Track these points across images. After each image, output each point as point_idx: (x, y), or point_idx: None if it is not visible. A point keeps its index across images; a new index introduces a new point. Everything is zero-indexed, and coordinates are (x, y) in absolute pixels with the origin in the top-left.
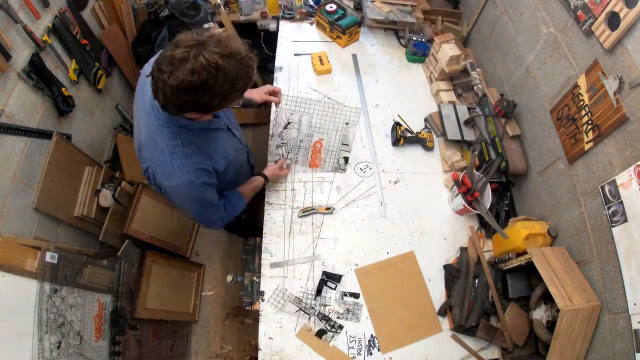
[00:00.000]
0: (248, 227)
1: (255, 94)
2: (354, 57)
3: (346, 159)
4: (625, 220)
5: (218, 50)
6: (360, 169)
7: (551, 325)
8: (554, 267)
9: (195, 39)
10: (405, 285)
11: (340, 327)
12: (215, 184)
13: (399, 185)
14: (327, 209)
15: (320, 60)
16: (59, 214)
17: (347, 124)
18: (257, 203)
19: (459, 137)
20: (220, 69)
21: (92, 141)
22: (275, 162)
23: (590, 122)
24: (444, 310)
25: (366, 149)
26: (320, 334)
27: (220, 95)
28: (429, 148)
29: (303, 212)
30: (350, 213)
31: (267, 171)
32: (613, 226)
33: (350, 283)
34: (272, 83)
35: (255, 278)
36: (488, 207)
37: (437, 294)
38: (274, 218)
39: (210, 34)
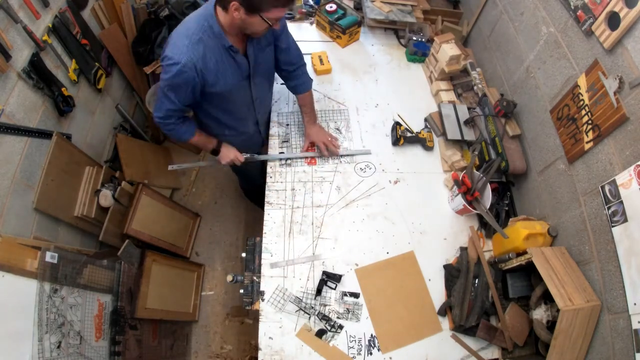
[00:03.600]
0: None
1: (310, 131)
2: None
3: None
4: (625, 220)
5: None
6: (360, 168)
7: (551, 325)
8: (554, 267)
9: None
10: (405, 285)
11: (340, 327)
12: (193, 86)
13: (399, 185)
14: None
15: (320, 60)
16: (59, 214)
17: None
18: None
19: (459, 137)
20: None
21: (92, 141)
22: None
23: (590, 122)
24: (444, 310)
25: (366, 149)
26: (320, 334)
27: None
28: (429, 148)
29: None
30: (350, 213)
31: (224, 146)
32: (613, 226)
33: (350, 283)
34: None
35: (255, 278)
36: (488, 207)
37: (437, 294)
38: (274, 218)
39: None
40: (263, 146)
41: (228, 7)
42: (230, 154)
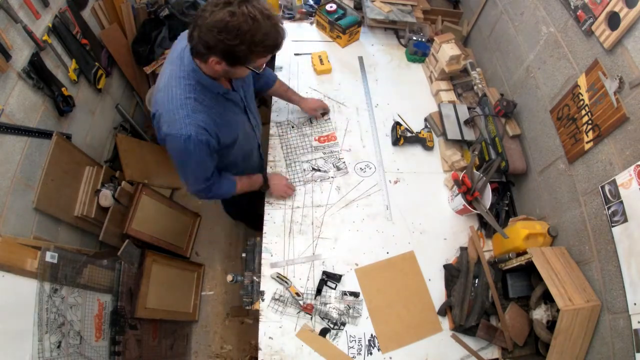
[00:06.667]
0: (250, 214)
1: (305, 104)
2: (360, 59)
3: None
4: (625, 220)
5: (259, 8)
6: (360, 168)
7: (551, 325)
8: (554, 267)
9: None
10: (405, 285)
11: (343, 324)
12: (214, 150)
13: (399, 185)
14: (297, 294)
15: (320, 60)
16: (59, 214)
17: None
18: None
19: (459, 137)
20: (257, 22)
21: (92, 141)
22: (287, 179)
23: (590, 121)
24: (444, 310)
25: (366, 149)
26: (324, 332)
27: (248, 45)
28: (429, 148)
29: (278, 276)
30: (350, 213)
31: (272, 178)
32: (613, 226)
33: (350, 283)
34: None
35: (255, 278)
36: (488, 206)
37: (437, 293)
38: (274, 218)
39: None
40: (262, 159)
41: (207, 61)
42: (281, 183)
